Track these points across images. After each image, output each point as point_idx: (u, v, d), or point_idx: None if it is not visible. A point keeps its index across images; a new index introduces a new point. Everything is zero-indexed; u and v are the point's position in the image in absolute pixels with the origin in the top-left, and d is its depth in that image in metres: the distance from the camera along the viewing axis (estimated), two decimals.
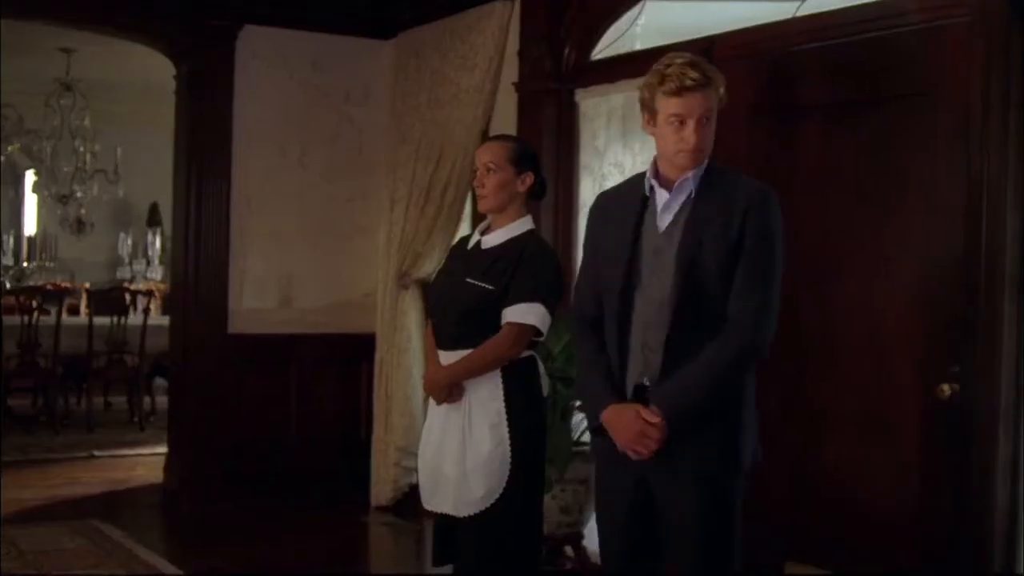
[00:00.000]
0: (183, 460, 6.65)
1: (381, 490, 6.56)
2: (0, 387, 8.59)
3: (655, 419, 3.05)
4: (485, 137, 5.90)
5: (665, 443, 3.05)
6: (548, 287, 3.61)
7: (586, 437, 5.01)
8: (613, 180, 5.18)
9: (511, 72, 5.74)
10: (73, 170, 10.31)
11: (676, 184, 3.10)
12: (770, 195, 3.06)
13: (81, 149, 10.13)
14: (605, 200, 3.37)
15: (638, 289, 3.14)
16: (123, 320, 9.19)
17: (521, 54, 5.66)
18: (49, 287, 9.65)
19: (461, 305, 3.65)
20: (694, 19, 4.78)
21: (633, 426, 3.08)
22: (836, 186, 4.20)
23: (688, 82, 3.05)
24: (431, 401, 3.77)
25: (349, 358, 6.88)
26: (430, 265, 6.20)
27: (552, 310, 3.61)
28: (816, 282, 4.15)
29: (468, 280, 3.64)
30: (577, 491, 4.84)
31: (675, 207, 3.10)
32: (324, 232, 6.85)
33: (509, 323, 3.58)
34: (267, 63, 6.65)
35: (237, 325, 6.63)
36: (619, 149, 5.14)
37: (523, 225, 3.71)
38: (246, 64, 6.59)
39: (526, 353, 3.64)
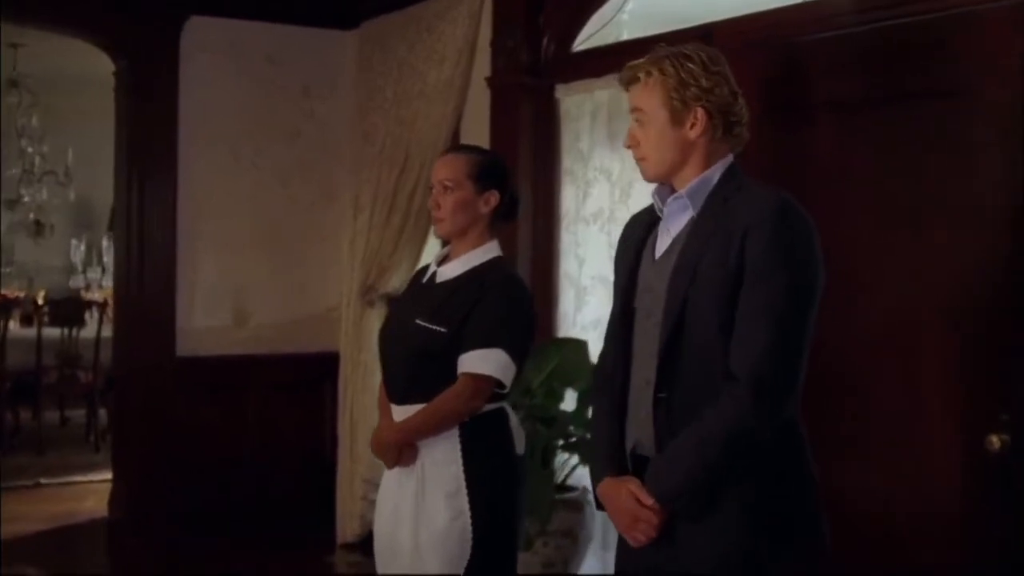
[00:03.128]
0: (129, 493, 6.06)
1: (348, 525, 5.97)
2: None
3: (649, 500, 2.48)
4: (456, 138, 5.33)
5: (669, 526, 2.47)
6: (512, 328, 3.03)
7: (571, 481, 4.47)
8: (599, 187, 4.59)
9: (484, 65, 5.14)
10: (20, 172, 9.66)
11: (667, 203, 2.56)
12: (782, 207, 2.41)
13: (29, 150, 9.47)
14: (630, 223, 2.80)
15: (635, 334, 2.59)
16: (76, 332, 8.57)
17: (494, 45, 5.07)
18: None
19: (409, 352, 3.08)
20: (689, 4, 4.18)
21: (627, 507, 2.52)
22: (855, 195, 3.63)
23: (626, 73, 2.57)
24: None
25: (311, 380, 6.28)
26: (397, 279, 5.61)
27: (519, 355, 3.03)
28: (834, 303, 3.56)
29: (417, 321, 3.06)
30: (561, 545, 4.25)
31: (673, 230, 2.54)
32: (283, 240, 6.25)
33: (464, 373, 3.00)
34: (217, 56, 6.06)
35: (187, 346, 6.03)
36: (605, 152, 4.55)
37: (486, 252, 3.12)
38: (193, 58, 5.99)
39: (492, 406, 3.06)
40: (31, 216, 10.04)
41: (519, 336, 3.04)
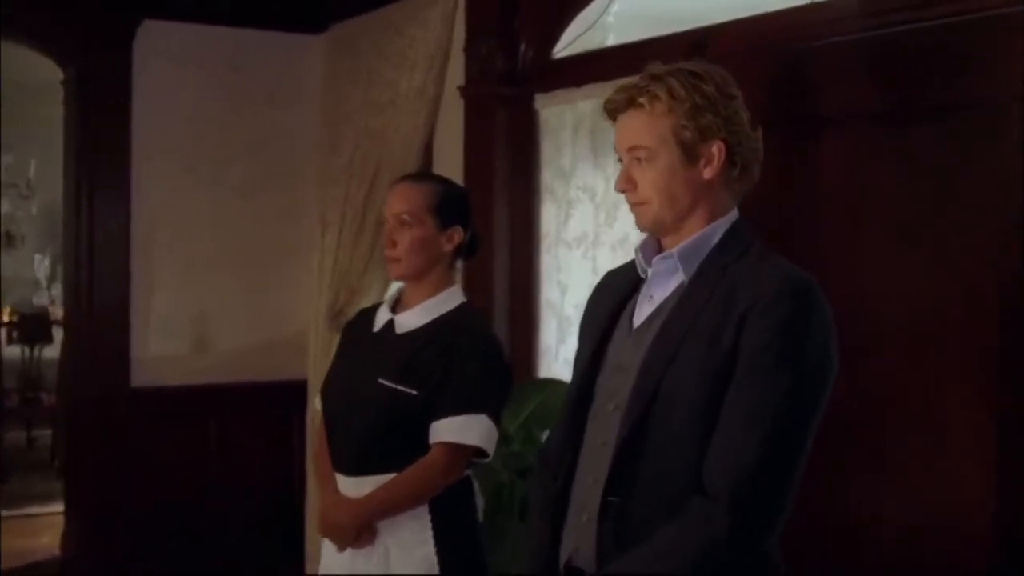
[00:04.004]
0: (82, 531, 5.61)
1: (316, 564, 5.52)
2: None
3: None
4: (428, 152, 4.91)
5: None
6: (492, 389, 2.64)
7: None
8: (582, 208, 4.16)
9: (458, 73, 4.71)
10: None
11: (653, 262, 2.11)
12: (796, 287, 1.94)
13: None
14: (605, 281, 2.34)
15: (590, 420, 2.13)
16: (39, 352, 8.14)
17: (467, 51, 4.63)
18: None
19: (371, 416, 2.66)
20: (682, 5, 3.75)
21: None
22: (868, 213, 3.22)
23: (612, 102, 2.12)
24: (325, 543, 2.76)
25: (278, 410, 5.83)
26: (367, 302, 5.17)
27: (500, 418, 2.61)
28: (846, 348, 3.14)
29: (381, 381, 2.63)
30: None
31: (658, 297, 2.09)
32: (246, 260, 5.79)
33: (443, 443, 2.58)
34: (173, 63, 5.61)
35: (143, 376, 5.58)
36: (589, 169, 4.11)
37: (451, 299, 2.71)
38: (147, 64, 5.53)
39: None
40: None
41: (499, 397, 2.66)
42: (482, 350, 2.62)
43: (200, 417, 5.72)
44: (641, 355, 2.01)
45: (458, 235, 2.72)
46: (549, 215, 4.34)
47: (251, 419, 5.81)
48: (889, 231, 3.15)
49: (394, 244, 2.68)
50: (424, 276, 2.69)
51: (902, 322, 3.11)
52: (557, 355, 4.30)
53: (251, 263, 5.80)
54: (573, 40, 4.31)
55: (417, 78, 4.92)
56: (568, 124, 4.23)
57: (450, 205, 2.71)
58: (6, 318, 9.24)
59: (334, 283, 5.39)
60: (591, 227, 4.11)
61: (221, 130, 5.75)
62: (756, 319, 1.89)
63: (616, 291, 2.18)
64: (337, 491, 2.71)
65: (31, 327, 8.52)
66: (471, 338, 2.62)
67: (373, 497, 2.62)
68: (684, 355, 1.94)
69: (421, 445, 2.59)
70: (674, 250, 2.06)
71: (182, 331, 5.70)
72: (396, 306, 2.76)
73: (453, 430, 2.57)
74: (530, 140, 4.40)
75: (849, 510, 3.20)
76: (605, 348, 2.13)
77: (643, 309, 2.09)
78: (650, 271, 2.09)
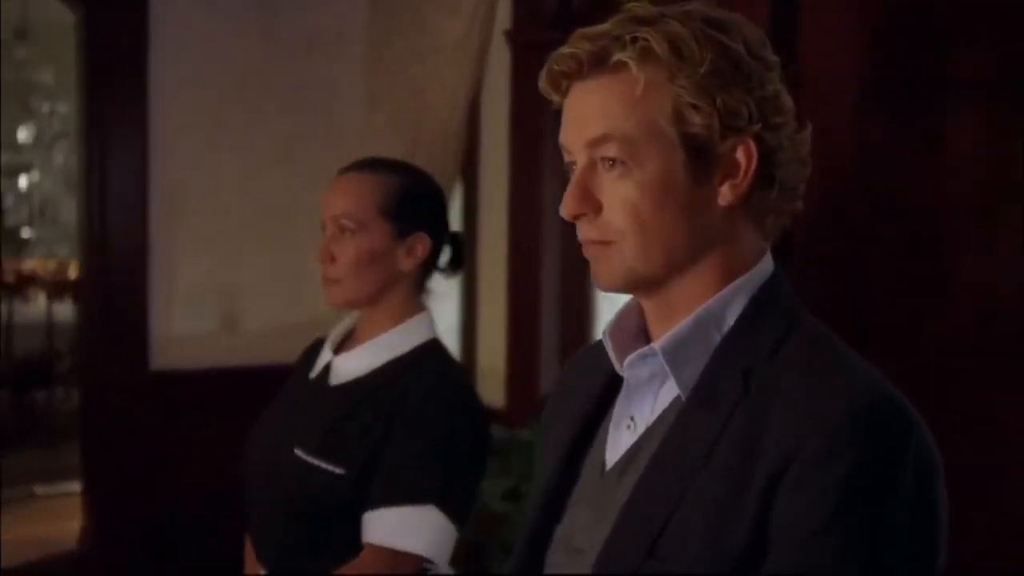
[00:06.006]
0: (101, 529, 5.09)
1: None
2: None
3: None
4: (476, 110, 4.19)
5: None
6: (451, 467, 1.89)
7: None
8: None
9: (505, 18, 3.98)
10: (34, 137, 8.70)
11: (628, 362, 1.28)
12: (869, 424, 1.10)
13: (44, 110, 8.48)
14: (578, 366, 1.53)
15: None
16: None
17: None
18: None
19: (284, 500, 1.96)
20: None
21: None
22: (1008, 202, 2.45)
23: (563, 60, 1.28)
24: None
25: None
26: None
27: (461, 512, 1.89)
28: (975, 350, 2.41)
29: (296, 452, 1.92)
30: None
31: (641, 417, 1.28)
32: (280, 228, 5.11)
33: (373, 546, 1.87)
34: (197, 7, 4.95)
35: (164, 357, 4.99)
36: None
37: (410, 334, 1.99)
38: (167, 8, 4.88)
39: None
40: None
41: (461, 478, 1.91)
42: (435, 411, 1.89)
43: (227, 404, 5.09)
44: (609, 521, 1.23)
45: (423, 245, 2.00)
46: None
47: None
48: None
49: (332, 258, 1.96)
50: (377, 302, 1.97)
51: None
52: None
53: (286, 231, 5.13)
54: None
55: (462, 23, 4.21)
56: None
57: (410, 203, 1.99)
58: (74, 274, 8.69)
59: None
60: None
61: (252, 83, 5.09)
62: (801, 479, 1.08)
63: (588, 391, 1.38)
64: None
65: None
66: (423, 392, 1.89)
67: None
68: (675, 534, 1.15)
69: (353, 543, 1.89)
70: (657, 345, 1.24)
71: (208, 308, 5.08)
72: (344, 342, 2.05)
73: (389, 528, 1.87)
74: None
75: None
76: (568, 485, 1.36)
77: (619, 437, 1.29)
78: (627, 373, 1.28)
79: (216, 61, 5.03)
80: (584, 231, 1.25)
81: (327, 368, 2.03)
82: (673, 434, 1.20)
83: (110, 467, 5.00)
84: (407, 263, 1.98)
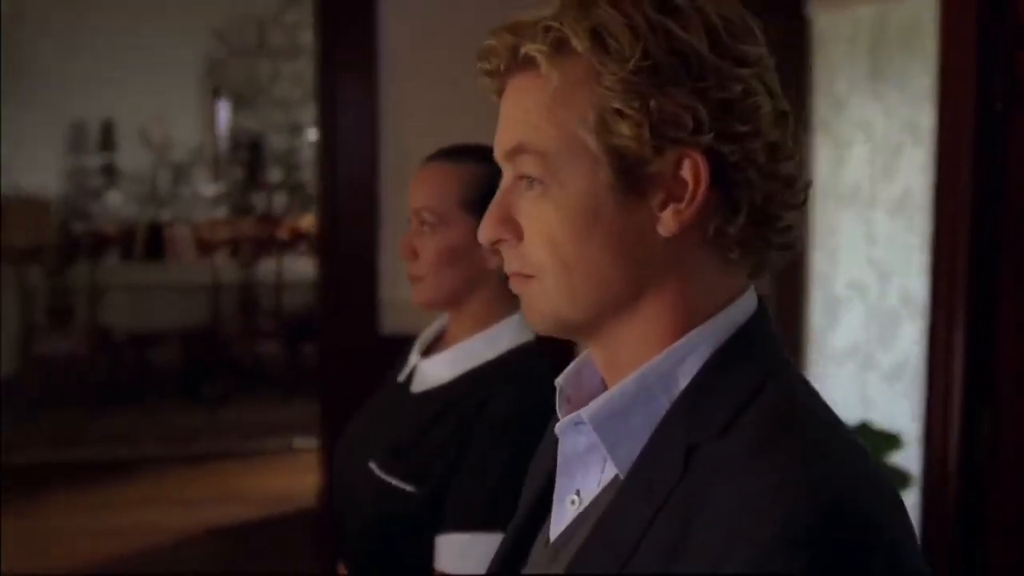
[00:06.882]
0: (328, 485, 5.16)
1: None
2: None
3: None
4: None
5: None
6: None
7: None
8: (857, 149, 3.07)
9: None
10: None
11: (560, 425, 1.01)
12: (814, 533, 0.79)
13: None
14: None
15: None
16: None
17: None
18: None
19: (359, 511, 1.82)
20: None
21: None
22: None
23: (487, 56, 0.99)
24: None
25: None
26: None
27: None
28: None
29: (371, 466, 1.77)
30: None
31: (585, 495, 1.02)
32: None
33: (441, 574, 1.70)
34: None
35: (394, 323, 4.98)
36: (864, 96, 3.00)
37: (496, 339, 1.76)
38: None
39: None
40: None
41: None
42: (516, 426, 1.67)
43: None
44: None
45: None
46: (824, 159, 3.26)
47: None
48: None
49: (414, 254, 1.78)
50: (461, 302, 1.78)
51: None
52: (825, 344, 3.26)
53: None
54: None
55: None
56: (843, 36, 3.12)
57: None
58: (306, 226, 8.78)
59: None
60: (866, 177, 3.01)
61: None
62: None
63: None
64: None
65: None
66: (503, 405, 1.68)
67: None
68: None
69: (423, 557, 1.73)
70: (584, 413, 0.98)
71: None
72: (432, 345, 1.88)
73: (455, 555, 1.69)
74: (801, 58, 3.31)
75: None
76: (524, 551, 1.15)
77: (563, 511, 1.04)
78: (560, 438, 1.03)
79: (448, 20, 4.95)
80: (507, 260, 1.02)
81: (412, 373, 1.87)
82: (606, 517, 0.95)
83: (343, 427, 5.06)
84: (494, 260, 1.78)
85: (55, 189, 9.61)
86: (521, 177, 0.97)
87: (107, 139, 9.90)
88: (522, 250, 0.99)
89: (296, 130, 9.49)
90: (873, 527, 0.82)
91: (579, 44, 0.92)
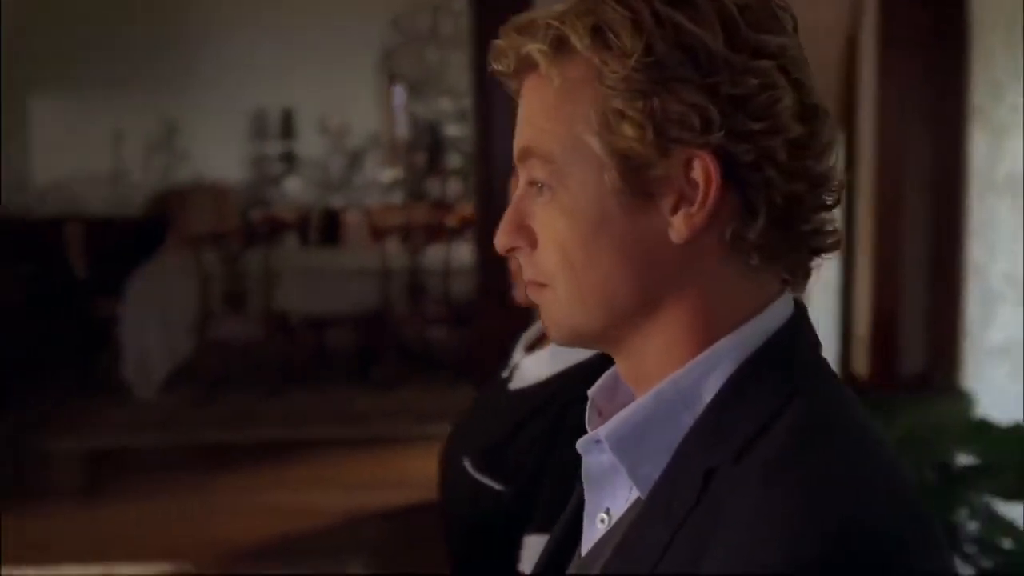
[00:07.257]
0: None
1: None
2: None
3: None
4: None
5: None
6: None
7: None
8: (1013, 137, 2.92)
9: None
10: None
11: (583, 443, 0.98)
12: (824, 566, 0.75)
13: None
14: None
15: None
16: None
17: None
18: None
19: (456, 512, 1.81)
20: None
21: None
22: None
23: (500, 57, 0.94)
24: None
25: None
26: None
27: None
28: None
29: (464, 463, 1.75)
30: None
31: (615, 511, 0.98)
32: None
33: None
34: None
35: None
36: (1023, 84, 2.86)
37: None
38: None
39: None
40: None
41: None
42: None
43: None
44: None
45: None
46: (979, 148, 3.12)
47: None
48: None
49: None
50: None
51: None
52: (981, 341, 3.12)
53: None
54: None
55: None
56: (1001, 18, 2.97)
57: None
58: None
59: None
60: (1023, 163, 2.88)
61: None
62: None
63: None
64: None
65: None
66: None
67: None
68: None
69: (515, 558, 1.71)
70: (602, 431, 0.94)
71: None
72: (537, 342, 1.85)
73: (535, 555, 1.65)
74: (958, 40, 3.16)
75: None
76: (564, 561, 1.10)
77: (593, 528, 1.00)
78: (584, 458, 0.99)
79: None
80: (524, 268, 0.98)
81: (513, 371, 1.86)
82: (627, 538, 0.93)
83: None
84: None
85: (237, 176, 9.95)
86: (532, 183, 0.95)
87: (287, 127, 10.20)
88: (535, 258, 0.95)
89: (466, 117, 9.58)
90: (886, 553, 0.77)
91: (579, 42, 0.88)
